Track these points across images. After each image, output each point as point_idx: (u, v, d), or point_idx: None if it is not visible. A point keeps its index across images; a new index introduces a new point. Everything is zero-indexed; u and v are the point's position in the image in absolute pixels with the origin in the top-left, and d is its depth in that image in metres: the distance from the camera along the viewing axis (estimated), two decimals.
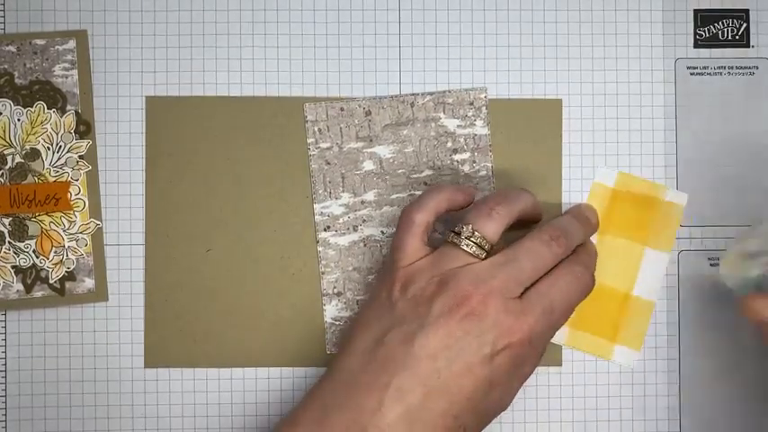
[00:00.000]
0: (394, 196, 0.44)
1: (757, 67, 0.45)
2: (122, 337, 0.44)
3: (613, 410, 0.45)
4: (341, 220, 0.44)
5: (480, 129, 0.44)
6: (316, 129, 0.44)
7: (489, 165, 0.44)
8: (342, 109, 0.44)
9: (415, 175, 0.44)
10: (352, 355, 0.38)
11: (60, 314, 0.44)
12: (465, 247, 0.38)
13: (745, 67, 0.45)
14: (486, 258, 0.38)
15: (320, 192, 0.44)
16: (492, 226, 0.38)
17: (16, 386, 0.44)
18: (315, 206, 0.44)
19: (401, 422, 0.36)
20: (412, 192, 0.44)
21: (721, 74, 0.45)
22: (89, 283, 0.44)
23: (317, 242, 0.44)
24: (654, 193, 0.44)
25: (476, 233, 0.38)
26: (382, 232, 0.44)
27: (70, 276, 0.44)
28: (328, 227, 0.44)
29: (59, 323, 0.44)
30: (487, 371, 0.36)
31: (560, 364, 0.45)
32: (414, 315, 0.37)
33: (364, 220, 0.44)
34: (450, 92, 0.44)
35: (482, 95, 0.44)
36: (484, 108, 0.44)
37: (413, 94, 0.44)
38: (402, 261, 0.39)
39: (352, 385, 0.37)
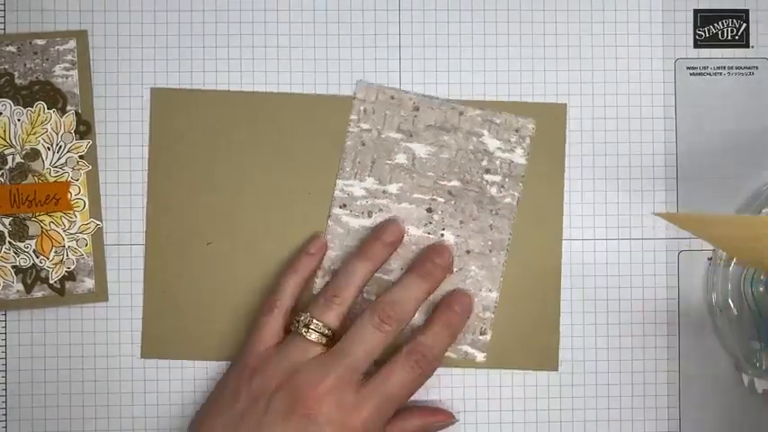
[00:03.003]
0: (416, 195, 0.44)
1: (757, 67, 0.45)
2: (122, 337, 0.44)
3: (613, 410, 0.45)
4: (358, 203, 0.44)
5: (518, 157, 0.44)
6: (362, 108, 0.44)
7: (517, 195, 0.44)
8: (392, 97, 0.44)
9: (442, 182, 0.44)
10: None
11: (60, 314, 0.44)
12: (306, 335, 0.40)
13: (745, 67, 0.45)
14: (329, 343, 0.40)
15: (347, 169, 0.44)
16: (330, 314, 0.41)
17: (16, 386, 0.44)
18: (338, 181, 0.44)
19: None
20: (434, 197, 0.44)
21: (721, 74, 0.45)
22: (89, 283, 0.44)
23: (329, 216, 0.44)
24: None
25: (314, 321, 0.40)
26: None
27: (70, 276, 0.44)
28: (344, 205, 0.44)
29: (59, 323, 0.44)
30: None
31: (556, 369, 0.45)
32: (253, 412, 0.39)
33: (380, 210, 0.44)
34: (500, 113, 0.44)
35: (530, 125, 0.44)
36: (528, 139, 0.44)
37: (464, 103, 0.44)
38: (256, 346, 0.41)
39: None
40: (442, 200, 0.44)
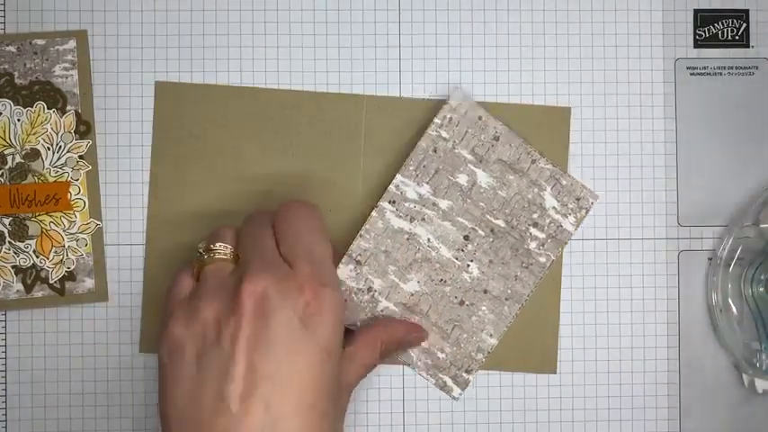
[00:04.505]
0: (460, 219, 0.44)
1: (757, 67, 0.45)
2: (122, 337, 0.44)
3: (613, 411, 0.45)
4: (407, 205, 0.44)
5: (569, 225, 0.44)
6: (448, 116, 0.44)
7: (552, 257, 0.44)
8: (480, 118, 0.44)
9: (488, 217, 0.44)
10: None
11: (60, 314, 0.44)
12: (213, 256, 0.38)
13: (745, 68, 0.45)
14: (237, 260, 0.38)
15: (410, 168, 0.44)
16: (225, 236, 0.39)
17: (16, 386, 0.44)
18: (397, 175, 0.44)
19: None
20: (475, 227, 0.44)
21: (721, 74, 0.45)
22: (89, 283, 0.44)
23: (375, 207, 0.44)
24: None
25: (212, 245, 0.38)
26: (428, 240, 0.44)
27: (70, 276, 0.44)
28: (394, 201, 0.44)
29: (59, 323, 0.44)
30: (311, 339, 0.35)
31: (555, 372, 0.45)
32: (208, 344, 0.35)
33: (423, 219, 0.44)
34: (569, 175, 0.44)
35: (591, 200, 0.44)
36: (584, 211, 0.44)
37: (541, 153, 0.44)
38: (175, 296, 0.38)
39: None
40: (482, 233, 0.44)
